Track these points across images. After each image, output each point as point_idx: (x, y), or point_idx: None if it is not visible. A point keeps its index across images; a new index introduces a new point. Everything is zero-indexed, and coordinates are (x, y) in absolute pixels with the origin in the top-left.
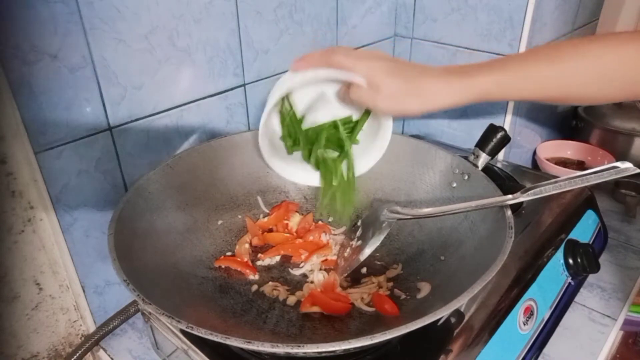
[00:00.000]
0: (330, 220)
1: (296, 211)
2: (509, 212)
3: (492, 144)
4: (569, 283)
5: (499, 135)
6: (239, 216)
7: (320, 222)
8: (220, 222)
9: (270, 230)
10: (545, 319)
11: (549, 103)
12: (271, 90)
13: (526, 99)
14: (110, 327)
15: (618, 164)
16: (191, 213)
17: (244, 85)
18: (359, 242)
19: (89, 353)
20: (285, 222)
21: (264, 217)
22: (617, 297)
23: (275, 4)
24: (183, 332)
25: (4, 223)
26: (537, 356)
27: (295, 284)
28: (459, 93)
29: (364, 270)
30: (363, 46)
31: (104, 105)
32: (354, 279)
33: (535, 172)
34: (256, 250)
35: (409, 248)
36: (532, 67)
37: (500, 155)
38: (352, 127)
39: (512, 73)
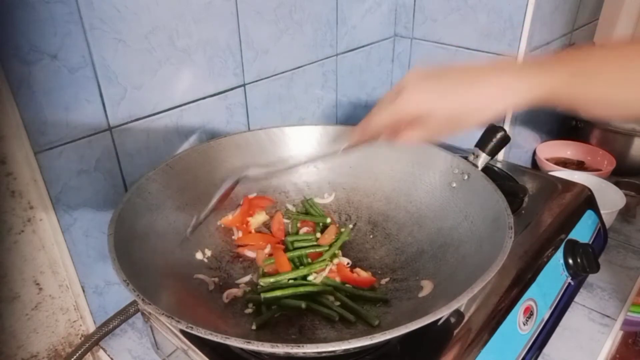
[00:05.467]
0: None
1: (263, 208)
2: (509, 212)
3: (492, 144)
4: (569, 283)
5: (499, 135)
6: None
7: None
8: (220, 222)
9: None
10: (545, 319)
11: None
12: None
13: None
14: (110, 327)
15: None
16: (191, 213)
17: (243, 85)
18: None
19: (89, 353)
20: (248, 219)
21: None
22: (617, 297)
23: (275, 4)
24: (183, 332)
25: (4, 223)
26: (537, 356)
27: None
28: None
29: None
30: (363, 46)
31: (103, 105)
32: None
33: (535, 172)
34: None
35: (409, 248)
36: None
37: (500, 155)
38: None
39: (594, 66)
